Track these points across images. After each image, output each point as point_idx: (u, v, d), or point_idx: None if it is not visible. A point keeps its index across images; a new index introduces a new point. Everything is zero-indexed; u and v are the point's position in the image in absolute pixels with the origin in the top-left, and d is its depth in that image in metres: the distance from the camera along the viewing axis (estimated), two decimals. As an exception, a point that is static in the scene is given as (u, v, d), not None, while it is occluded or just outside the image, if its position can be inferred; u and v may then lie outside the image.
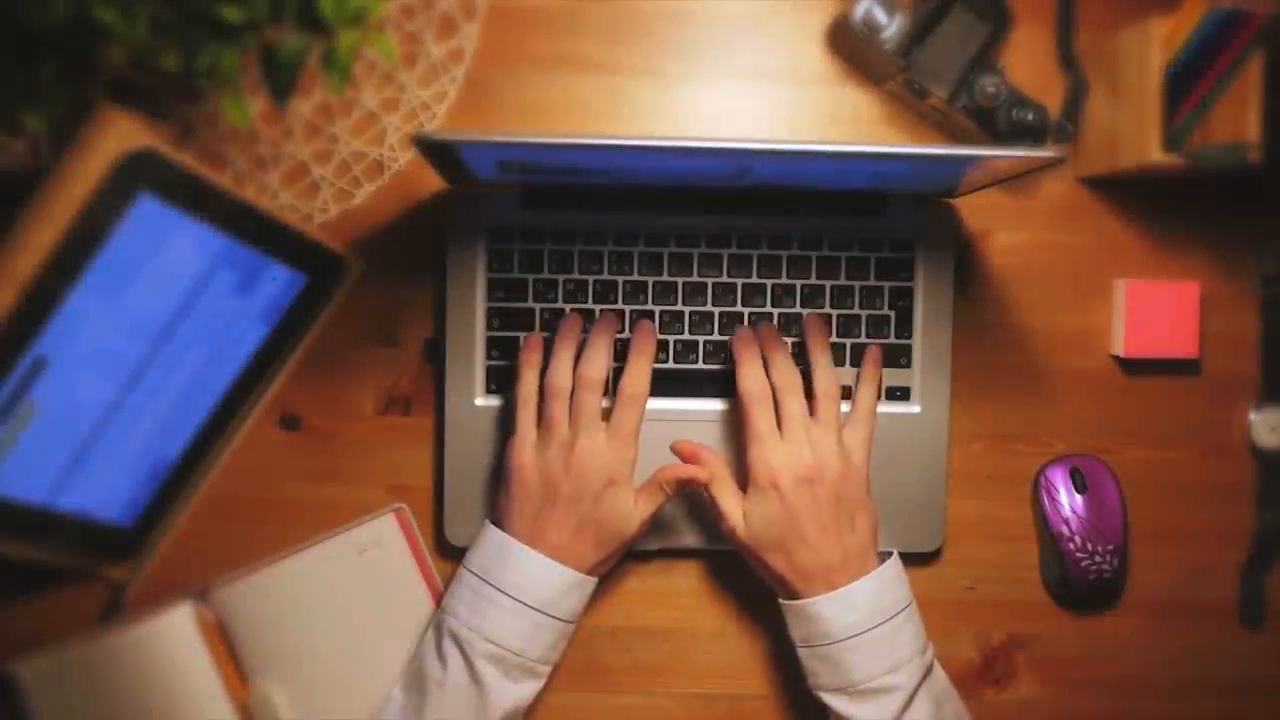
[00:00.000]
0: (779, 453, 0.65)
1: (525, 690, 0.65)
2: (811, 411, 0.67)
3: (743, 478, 0.68)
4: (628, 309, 0.71)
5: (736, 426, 0.70)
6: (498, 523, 0.67)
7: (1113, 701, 0.75)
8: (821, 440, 0.66)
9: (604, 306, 0.71)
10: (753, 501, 0.65)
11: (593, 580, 0.67)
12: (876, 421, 0.70)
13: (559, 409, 0.66)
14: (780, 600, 0.67)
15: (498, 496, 0.68)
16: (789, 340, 0.70)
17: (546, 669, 0.66)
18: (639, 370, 0.67)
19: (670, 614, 0.74)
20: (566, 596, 0.65)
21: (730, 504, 0.67)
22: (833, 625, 0.64)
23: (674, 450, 0.68)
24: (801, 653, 0.67)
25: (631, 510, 0.66)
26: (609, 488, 0.65)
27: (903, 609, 0.65)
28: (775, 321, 0.71)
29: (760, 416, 0.66)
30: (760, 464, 0.65)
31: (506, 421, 0.70)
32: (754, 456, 0.65)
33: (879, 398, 0.71)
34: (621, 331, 0.71)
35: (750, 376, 0.67)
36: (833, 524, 0.65)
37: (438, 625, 0.66)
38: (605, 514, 0.65)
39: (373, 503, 0.72)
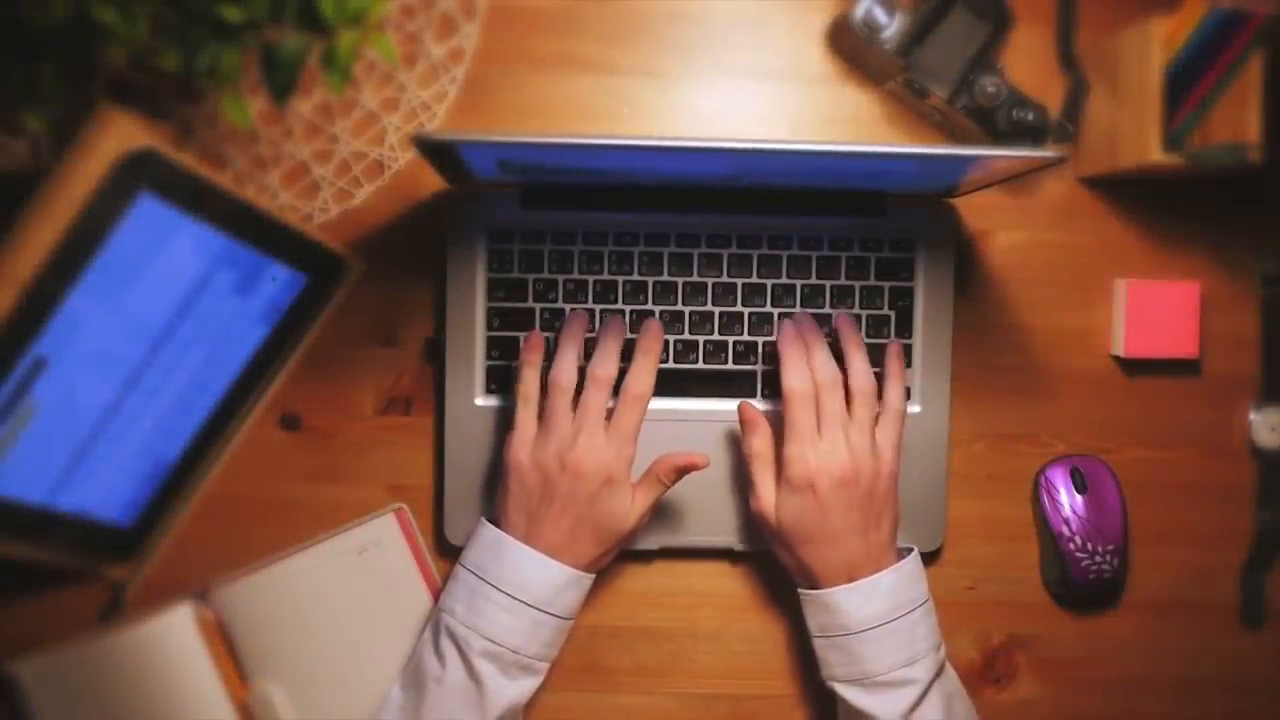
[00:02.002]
0: (818, 452, 0.65)
1: (523, 687, 0.65)
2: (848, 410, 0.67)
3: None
4: (628, 309, 0.71)
5: (735, 430, 0.70)
6: (495, 520, 0.67)
7: (1113, 701, 0.75)
8: (859, 441, 0.66)
9: (604, 306, 0.71)
10: (786, 496, 0.65)
11: (590, 577, 0.67)
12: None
13: (562, 404, 0.66)
14: (799, 590, 0.67)
15: (496, 493, 0.68)
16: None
17: (544, 666, 0.66)
18: (644, 369, 0.67)
19: (670, 614, 0.74)
20: (563, 594, 0.65)
21: (766, 486, 0.67)
22: (851, 617, 0.64)
23: (739, 411, 0.68)
24: (817, 643, 0.67)
25: (629, 508, 0.66)
26: (606, 486, 0.65)
27: (920, 604, 0.66)
28: (775, 322, 0.71)
29: (803, 415, 0.65)
30: (798, 462, 0.65)
31: (507, 419, 0.70)
32: (792, 453, 0.65)
33: (906, 396, 0.70)
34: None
35: (796, 374, 0.66)
36: (861, 524, 0.65)
37: (435, 623, 0.66)
38: (602, 512, 0.65)
39: (373, 503, 0.72)
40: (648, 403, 0.67)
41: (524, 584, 0.64)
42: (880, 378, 0.69)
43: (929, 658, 0.65)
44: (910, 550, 0.68)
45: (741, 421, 0.68)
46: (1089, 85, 0.73)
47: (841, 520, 0.65)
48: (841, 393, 0.67)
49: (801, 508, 0.65)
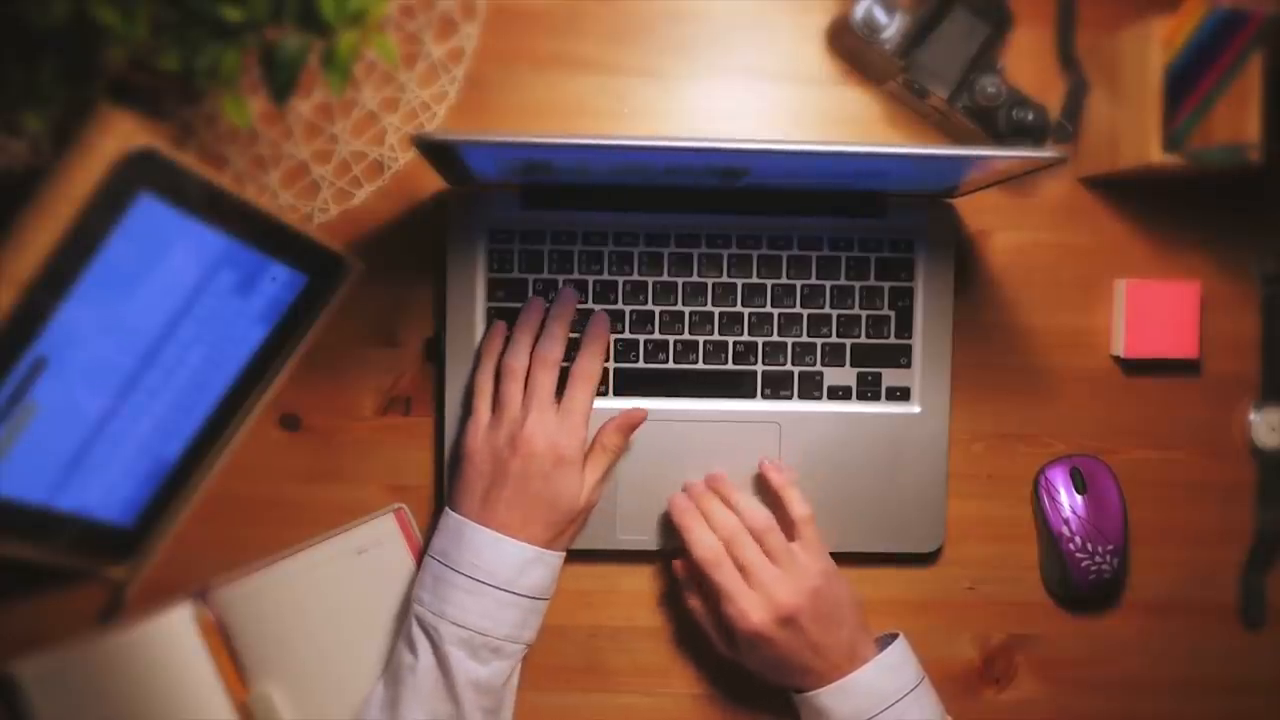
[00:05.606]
0: (754, 606, 0.65)
1: (494, 669, 0.65)
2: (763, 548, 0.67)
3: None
4: (628, 309, 0.71)
5: (736, 426, 0.70)
6: (454, 506, 0.67)
7: (1113, 701, 0.75)
8: (788, 571, 0.65)
9: (604, 306, 0.71)
10: (745, 651, 0.67)
11: (554, 554, 0.67)
12: (866, 423, 0.70)
13: (513, 388, 0.67)
14: (791, 694, 0.68)
15: (454, 480, 0.68)
16: (786, 340, 0.71)
17: (517, 648, 0.66)
18: (590, 351, 0.68)
19: (670, 614, 0.74)
20: (526, 573, 0.65)
21: (719, 639, 0.69)
22: (835, 715, 0.65)
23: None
24: None
25: (579, 488, 0.66)
26: (556, 465, 0.65)
27: (907, 692, 0.65)
28: (775, 322, 0.71)
29: (724, 577, 0.66)
30: (741, 620, 0.65)
31: (465, 407, 0.70)
32: (732, 614, 0.65)
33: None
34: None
35: (700, 542, 0.67)
36: (823, 636, 0.65)
37: (408, 614, 0.66)
38: (554, 491, 0.65)
39: (373, 503, 0.72)
40: (595, 382, 0.68)
41: (484, 565, 0.64)
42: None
43: None
44: (895, 636, 0.68)
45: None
46: (1089, 85, 0.73)
47: (804, 648, 0.65)
48: (749, 538, 0.66)
49: (763, 656, 0.66)
